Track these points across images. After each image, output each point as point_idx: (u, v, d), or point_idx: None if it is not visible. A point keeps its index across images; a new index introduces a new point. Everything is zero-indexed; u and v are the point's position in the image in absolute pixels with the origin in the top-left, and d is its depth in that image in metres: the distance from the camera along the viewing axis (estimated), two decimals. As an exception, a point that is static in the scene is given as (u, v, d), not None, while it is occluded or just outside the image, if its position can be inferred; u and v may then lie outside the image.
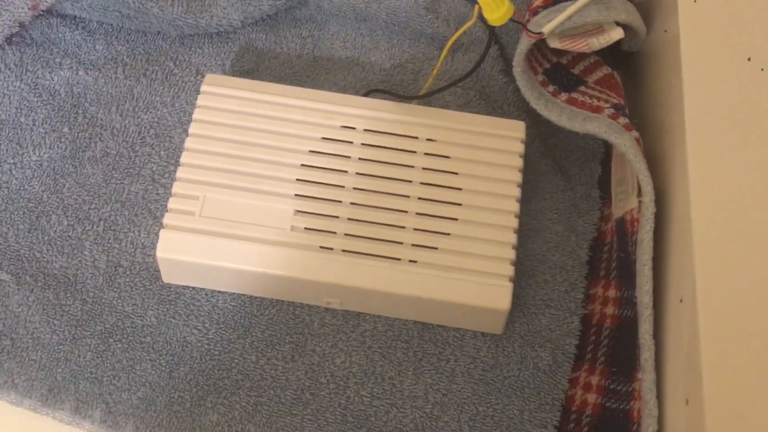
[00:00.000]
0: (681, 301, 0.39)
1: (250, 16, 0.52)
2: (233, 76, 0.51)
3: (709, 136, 0.41)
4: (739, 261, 0.37)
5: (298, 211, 0.45)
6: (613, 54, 0.50)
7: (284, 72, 0.53)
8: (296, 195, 0.45)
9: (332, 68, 0.53)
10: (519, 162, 0.47)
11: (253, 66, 0.53)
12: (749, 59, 0.42)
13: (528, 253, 0.47)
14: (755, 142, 0.40)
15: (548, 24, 0.46)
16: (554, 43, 0.47)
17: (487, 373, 0.45)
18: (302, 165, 0.46)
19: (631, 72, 0.52)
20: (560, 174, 0.50)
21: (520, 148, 0.47)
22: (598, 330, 0.45)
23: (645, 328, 0.41)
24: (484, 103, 0.51)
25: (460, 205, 0.45)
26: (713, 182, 0.40)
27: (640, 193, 0.44)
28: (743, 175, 0.39)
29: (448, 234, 0.45)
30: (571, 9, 0.46)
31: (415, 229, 0.45)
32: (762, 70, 0.42)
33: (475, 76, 0.51)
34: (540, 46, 0.48)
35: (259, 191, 0.45)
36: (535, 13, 0.47)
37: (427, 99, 0.51)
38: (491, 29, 0.46)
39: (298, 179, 0.46)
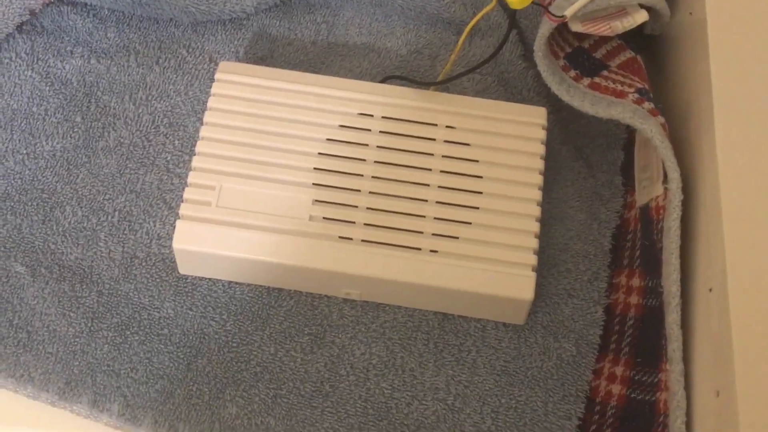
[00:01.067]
0: (710, 290, 0.38)
1: (263, 2, 0.51)
2: (247, 63, 0.50)
3: (738, 120, 0.40)
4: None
5: (316, 200, 0.44)
6: (635, 37, 0.49)
7: (299, 59, 0.52)
8: (314, 184, 0.44)
9: (347, 54, 0.52)
10: (541, 149, 0.46)
11: (267, 53, 0.52)
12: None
13: (550, 242, 0.46)
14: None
15: (570, 7, 0.44)
16: (576, 27, 0.46)
17: (510, 364, 0.44)
18: (320, 153, 0.45)
19: (653, 56, 0.50)
20: (582, 161, 0.49)
21: (542, 134, 0.46)
22: (622, 320, 0.45)
23: (673, 318, 0.40)
24: (502, 89, 0.50)
25: (481, 193, 0.44)
26: (743, 167, 0.38)
27: (665, 180, 0.43)
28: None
29: (470, 223, 0.44)
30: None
31: (436, 219, 0.44)
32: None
33: (494, 61, 0.50)
34: (561, 30, 0.47)
35: (277, 180, 0.44)
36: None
37: (444, 85, 0.50)
38: (512, 13, 0.45)
39: (315, 168, 0.45)
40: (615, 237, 0.47)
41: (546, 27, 0.45)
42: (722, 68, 0.41)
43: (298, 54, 0.52)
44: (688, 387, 0.39)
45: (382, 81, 0.49)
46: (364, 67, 0.52)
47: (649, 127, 0.43)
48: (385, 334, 0.44)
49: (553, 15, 0.44)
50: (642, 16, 0.46)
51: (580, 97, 0.45)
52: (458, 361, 0.44)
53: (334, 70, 0.51)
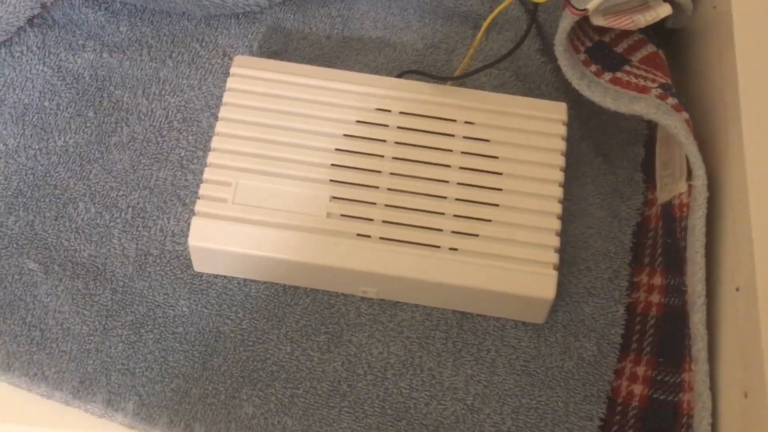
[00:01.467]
0: (737, 289, 0.38)
1: (274, -5, 0.51)
2: (261, 57, 0.49)
3: (766, 114, 0.39)
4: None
5: (333, 197, 0.43)
6: (656, 31, 0.48)
7: (313, 53, 0.51)
8: (331, 180, 0.44)
9: (363, 49, 0.51)
10: (561, 145, 0.45)
11: (281, 47, 0.51)
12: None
13: (569, 240, 0.46)
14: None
15: (593, 0, 0.44)
16: (598, 21, 0.45)
17: (530, 363, 0.43)
18: (337, 149, 0.45)
19: (676, 50, 0.50)
20: (602, 157, 0.48)
21: (562, 130, 0.46)
22: (644, 319, 0.44)
23: (698, 318, 0.39)
24: (520, 84, 0.49)
25: (501, 190, 0.44)
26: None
27: (689, 177, 0.42)
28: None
29: (490, 220, 0.43)
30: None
31: (455, 216, 0.43)
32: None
33: (511, 56, 0.49)
34: (582, 23, 0.46)
35: (294, 177, 0.44)
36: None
37: (461, 80, 0.49)
38: (534, 7, 0.45)
39: (333, 164, 0.44)
40: (635, 235, 0.46)
41: (567, 21, 0.44)
42: (749, 62, 0.40)
43: (313, 48, 0.51)
44: (713, 388, 0.38)
45: (399, 76, 0.49)
46: (380, 61, 0.51)
47: (674, 123, 0.42)
48: (403, 333, 0.44)
49: (576, 8, 0.43)
50: (665, 10, 0.45)
51: (601, 93, 0.45)
52: (477, 360, 0.43)
53: (349, 64, 0.51)
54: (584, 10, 0.43)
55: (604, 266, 0.45)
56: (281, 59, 0.49)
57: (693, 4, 0.46)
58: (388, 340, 0.44)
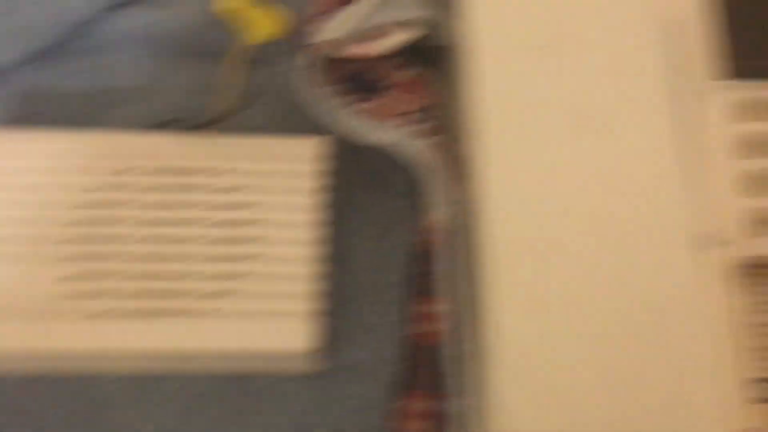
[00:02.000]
0: (490, 315, 0.37)
1: (13, 56, 0.47)
2: (5, 126, 0.45)
3: (504, 134, 0.38)
4: (539, 270, 0.35)
5: (73, 275, 0.40)
6: (422, 51, 0.47)
7: (63, 114, 0.47)
8: (70, 256, 0.40)
9: (122, 101, 0.48)
10: (320, 183, 0.43)
11: (28, 111, 0.47)
12: (542, 48, 0.40)
13: (340, 279, 0.44)
14: (552, 138, 0.38)
15: (332, 31, 0.42)
16: (342, 51, 0.43)
17: (311, 417, 0.41)
18: (75, 221, 0.41)
19: (445, 69, 0.49)
20: (367, 189, 0.47)
21: (322, 167, 0.44)
22: (419, 351, 0.43)
23: (452, 350, 0.38)
24: (281, 123, 0.47)
25: (257, 241, 0.42)
26: (510, 183, 0.37)
27: (447, 204, 0.41)
28: (540, 172, 0.37)
29: (245, 275, 0.41)
30: (353, 13, 0.43)
31: (207, 277, 0.41)
32: (552, 57, 0.39)
33: (273, 93, 0.47)
34: (330, 54, 0.45)
35: (24, 259, 0.40)
36: (313, 21, 0.43)
37: (220, 126, 0.46)
38: (294, 40, 0.43)
39: (71, 238, 0.41)
40: (408, 264, 0.45)
41: (309, 55, 0.43)
42: (482, 78, 0.40)
43: (62, 110, 0.48)
44: (475, 421, 0.37)
45: (155, 127, 0.46)
46: (138, 114, 0.48)
47: (422, 150, 0.41)
48: (169, 407, 0.41)
49: (306, 44, 0.42)
50: (407, 34, 0.44)
51: (351, 125, 0.43)
52: (257, 424, 0.41)
53: (105, 121, 0.47)
54: (321, 43, 0.42)
55: (378, 301, 0.44)
56: (28, 125, 0.46)
57: (451, 20, 0.45)
58: (154, 416, 0.41)
